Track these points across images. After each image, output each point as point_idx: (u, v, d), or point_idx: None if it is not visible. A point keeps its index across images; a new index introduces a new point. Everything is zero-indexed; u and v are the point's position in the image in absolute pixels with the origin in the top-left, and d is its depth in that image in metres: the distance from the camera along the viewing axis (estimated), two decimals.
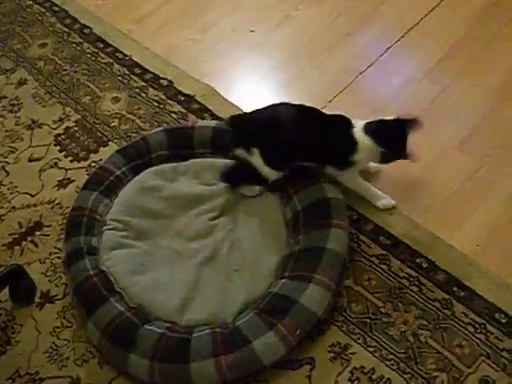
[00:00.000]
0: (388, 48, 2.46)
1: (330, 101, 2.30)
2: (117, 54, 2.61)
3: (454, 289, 1.75)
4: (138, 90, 2.46)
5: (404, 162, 1.94)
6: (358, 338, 1.71)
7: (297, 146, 1.88)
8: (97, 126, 2.37)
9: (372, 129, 1.87)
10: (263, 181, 1.94)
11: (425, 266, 1.81)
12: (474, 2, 2.57)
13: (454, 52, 2.41)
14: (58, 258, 2.01)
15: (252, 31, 2.63)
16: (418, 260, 1.82)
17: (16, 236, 2.10)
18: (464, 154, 2.09)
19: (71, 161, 2.28)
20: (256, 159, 1.90)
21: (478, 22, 2.50)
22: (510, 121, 2.16)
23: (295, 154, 1.91)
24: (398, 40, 2.48)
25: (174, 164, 2.11)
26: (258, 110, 1.95)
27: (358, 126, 1.89)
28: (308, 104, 1.96)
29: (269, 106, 1.94)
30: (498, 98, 2.23)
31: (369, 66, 2.41)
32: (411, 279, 1.79)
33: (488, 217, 1.92)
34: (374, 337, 1.70)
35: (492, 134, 2.14)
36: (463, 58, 2.38)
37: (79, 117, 2.41)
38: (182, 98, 2.39)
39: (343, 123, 1.90)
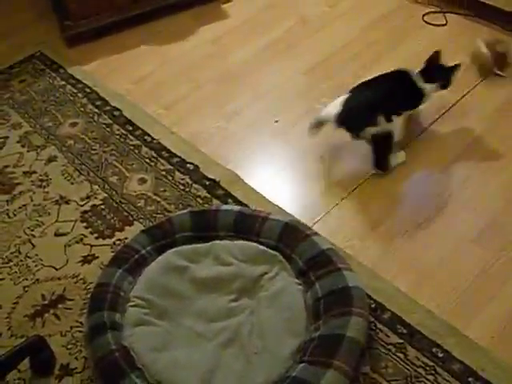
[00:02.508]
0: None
1: (351, 192, 2.38)
2: (145, 137, 2.71)
3: (470, 379, 1.79)
4: (164, 173, 2.54)
5: (420, 252, 2.02)
6: None
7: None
8: (123, 205, 2.44)
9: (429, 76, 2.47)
10: None
11: (440, 355, 1.85)
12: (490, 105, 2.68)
13: (470, 148, 2.51)
14: (80, 331, 2.04)
15: (276, 121, 2.73)
16: (433, 349, 1.86)
17: (39, 308, 2.14)
18: (480, 247, 2.15)
19: (96, 238, 2.33)
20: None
21: (492, 122, 2.61)
22: None
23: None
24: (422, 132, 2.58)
25: (197, 245, 2.17)
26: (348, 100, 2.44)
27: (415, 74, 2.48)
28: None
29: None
30: None
31: None
32: (427, 368, 1.82)
33: (503, 309, 1.97)
34: None
35: (508, 227, 2.20)
36: (480, 154, 2.48)
37: (106, 195, 2.48)
38: (207, 183, 2.47)
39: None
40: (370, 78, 2.51)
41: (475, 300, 2.00)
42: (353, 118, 2.40)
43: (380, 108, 2.37)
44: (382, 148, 2.42)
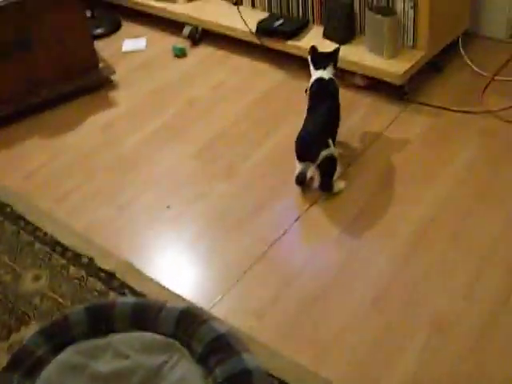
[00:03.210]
0: (298, 217, 2.64)
1: (245, 271, 2.43)
2: (38, 233, 2.69)
3: None
4: (59, 268, 2.52)
5: (318, 324, 2.09)
6: None
7: None
8: (18, 304, 2.40)
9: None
10: None
11: None
12: (374, 171, 2.80)
13: (360, 216, 2.61)
14: None
15: (168, 207, 2.77)
16: None
17: None
18: (377, 313, 2.22)
19: None
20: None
21: (379, 186, 2.73)
22: (417, 275, 2.34)
23: None
24: (308, 208, 2.67)
25: (95, 340, 2.14)
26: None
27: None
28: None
29: None
30: (403, 256, 2.42)
31: (280, 236, 2.56)
32: None
33: (407, 375, 2.03)
34: None
35: (403, 289, 2.30)
36: (368, 221, 2.59)
37: (0, 296, 2.44)
38: (103, 275, 2.47)
39: None
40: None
41: (377, 366, 2.06)
42: (310, 146, 2.66)
43: (329, 130, 2.74)
44: (330, 170, 2.69)
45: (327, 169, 2.68)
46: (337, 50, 2.91)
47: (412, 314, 2.21)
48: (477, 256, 2.39)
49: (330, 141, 2.68)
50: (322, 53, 2.91)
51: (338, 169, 2.72)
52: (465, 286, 2.28)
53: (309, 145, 2.66)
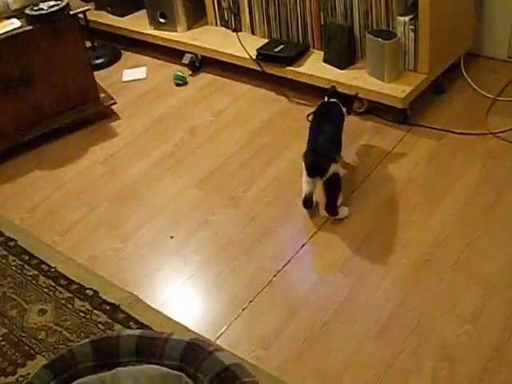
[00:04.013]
0: (303, 245, 2.62)
1: (251, 301, 2.41)
2: (42, 266, 2.68)
3: None
4: (64, 301, 2.51)
5: (324, 355, 2.06)
6: None
7: None
8: (24, 339, 2.39)
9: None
10: None
11: None
12: (378, 196, 2.80)
13: (364, 243, 2.59)
14: None
15: (172, 237, 2.76)
16: None
17: None
18: (383, 343, 2.20)
19: None
20: None
21: (384, 212, 2.73)
22: (422, 304, 2.31)
23: None
24: (312, 236, 2.64)
25: (100, 374, 2.13)
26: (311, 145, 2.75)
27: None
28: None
29: None
30: (408, 284, 2.39)
31: (285, 264, 2.54)
32: None
33: None
34: None
35: (407, 318, 2.27)
36: (373, 249, 2.57)
37: (6, 331, 2.43)
38: (108, 308, 2.45)
39: None
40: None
41: None
42: (321, 158, 2.65)
43: (335, 147, 2.80)
44: (336, 188, 2.70)
45: (334, 187, 2.68)
46: (356, 95, 3.01)
47: (419, 343, 2.18)
48: (483, 281, 2.37)
49: (337, 157, 2.74)
50: (341, 93, 2.95)
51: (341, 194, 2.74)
52: (471, 312, 2.26)
53: (320, 156, 2.64)
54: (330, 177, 2.63)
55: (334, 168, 2.64)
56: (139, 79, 3.96)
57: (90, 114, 3.56)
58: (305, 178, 2.68)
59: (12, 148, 3.37)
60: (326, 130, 2.74)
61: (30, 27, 3.24)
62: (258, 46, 3.60)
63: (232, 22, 3.85)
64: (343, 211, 2.72)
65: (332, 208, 2.70)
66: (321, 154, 2.65)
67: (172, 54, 4.01)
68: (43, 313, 2.49)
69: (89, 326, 2.40)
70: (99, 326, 2.39)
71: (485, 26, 3.54)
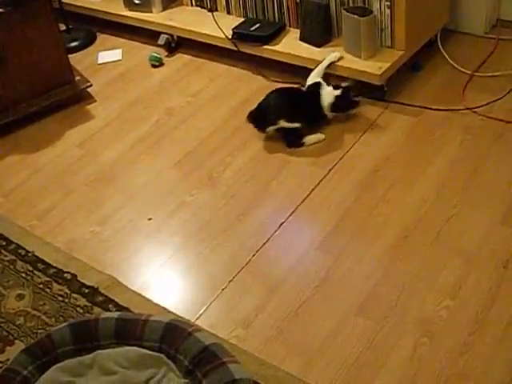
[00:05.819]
0: (281, 224, 2.60)
1: (230, 281, 2.40)
2: (19, 251, 2.66)
3: None
4: (42, 286, 2.49)
5: (305, 332, 2.06)
6: None
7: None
8: (2, 324, 2.37)
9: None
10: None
11: None
12: (356, 173, 2.79)
13: (343, 221, 2.58)
14: None
15: (150, 219, 2.74)
16: None
17: None
18: (364, 319, 2.20)
19: None
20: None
21: (362, 189, 2.70)
22: (402, 280, 2.31)
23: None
24: (290, 215, 2.63)
25: (80, 358, 2.12)
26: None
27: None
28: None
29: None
30: (388, 261, 2.39)
31: (264, 243, 2.54)
32: None
33: (393, 378, 2.01)
34: None
35: (388, 295, 2.27)
36: (352, 226, 2.56)
37: None
38: (86, 291, 2.43)
39: None
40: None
41: (365, 373, 2.04)
42: (259, 118, 3.03)
43: (281, 113, 2.96)
44: (289, 135, 3.01)
45: (284, 135, 3.00)
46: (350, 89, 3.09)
47: (399, 318, 2.18)
48: (462, 256, 2.37)
49: (283, 120, 2.97)
50: (349, 92, 3.07)
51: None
52: (451, 287, 2.26)
53: (256, 119, 3.04)
54: (277, 130, 3.00)
55: (276, 127, 2.98)
56: (115, 61, 3.92)
57: (65, 97, 3.51)
58: None
59: None
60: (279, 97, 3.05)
61: (2, 10, 3.19)
62: (234, 26, 3.57)
63: (207, 1, 3.81)
64: (314, 138, 3.02)
65: (289, 144, 3.02)
66: (260, 118, 3.04)
67: (147, 35, 3.97)
68: (21, 298, 2.46)
69: (68, 309, 2.38)
70: (78, 309, 2.38)
71: (461, 1, 3.53)
